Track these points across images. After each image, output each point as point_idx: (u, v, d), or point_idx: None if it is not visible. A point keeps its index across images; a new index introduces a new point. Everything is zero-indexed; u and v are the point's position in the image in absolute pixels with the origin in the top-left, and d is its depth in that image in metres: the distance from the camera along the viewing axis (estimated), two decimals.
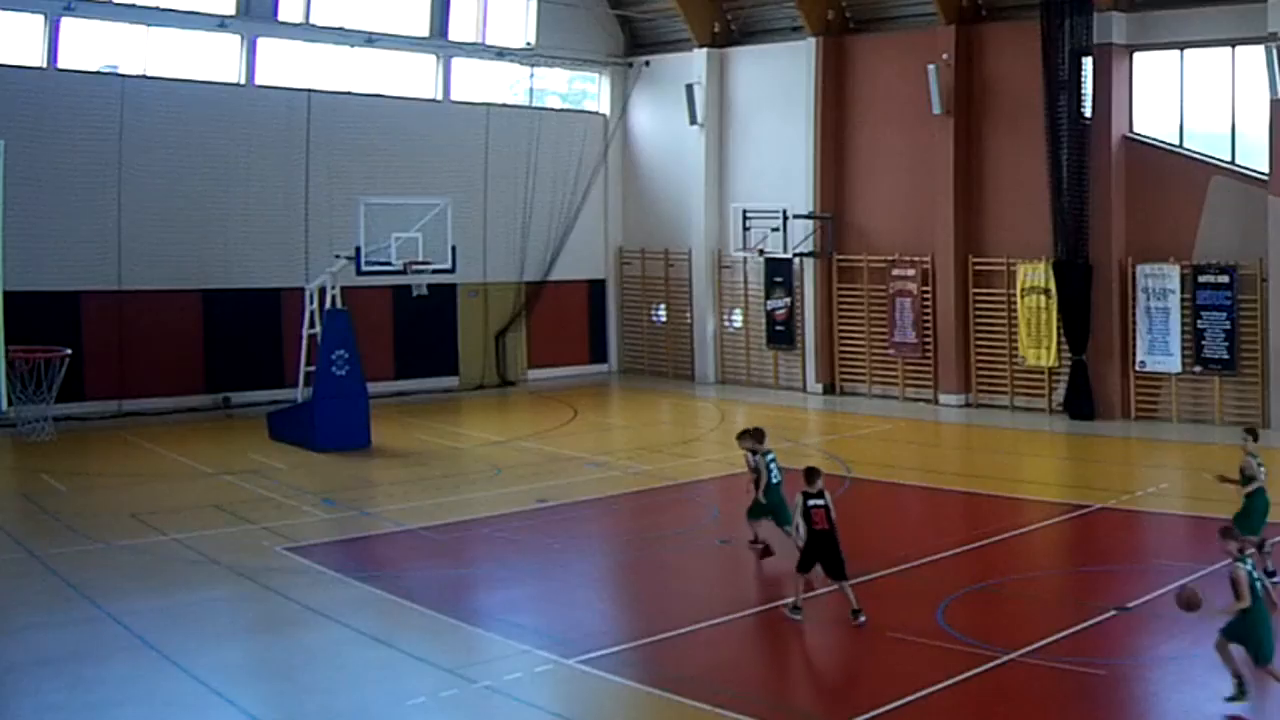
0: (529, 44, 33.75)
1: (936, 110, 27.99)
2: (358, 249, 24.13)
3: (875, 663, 12.28)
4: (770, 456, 15.35)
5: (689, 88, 32.93)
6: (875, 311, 30.09)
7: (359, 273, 24.44)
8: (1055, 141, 25.91)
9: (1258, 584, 10.51)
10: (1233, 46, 24.79)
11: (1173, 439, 24.35)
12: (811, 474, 13.31)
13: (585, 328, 35.76)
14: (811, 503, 13.09)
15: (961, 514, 19.25)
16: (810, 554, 13.25)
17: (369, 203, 24.75)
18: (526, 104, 34.26)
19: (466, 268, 29.26)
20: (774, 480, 15.28)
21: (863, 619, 12.91)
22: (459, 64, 32.88)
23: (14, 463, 22.80)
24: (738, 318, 33.29)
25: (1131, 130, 26.25)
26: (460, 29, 32.69)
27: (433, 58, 32.51)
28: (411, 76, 32.16)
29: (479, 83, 33.54)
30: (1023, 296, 27.37)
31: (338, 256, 24.99)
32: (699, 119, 33.00)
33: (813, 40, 30.65)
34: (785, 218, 29.84)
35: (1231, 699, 10.41)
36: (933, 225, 28.74)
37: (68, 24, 26.77)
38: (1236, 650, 10.60)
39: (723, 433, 26.79)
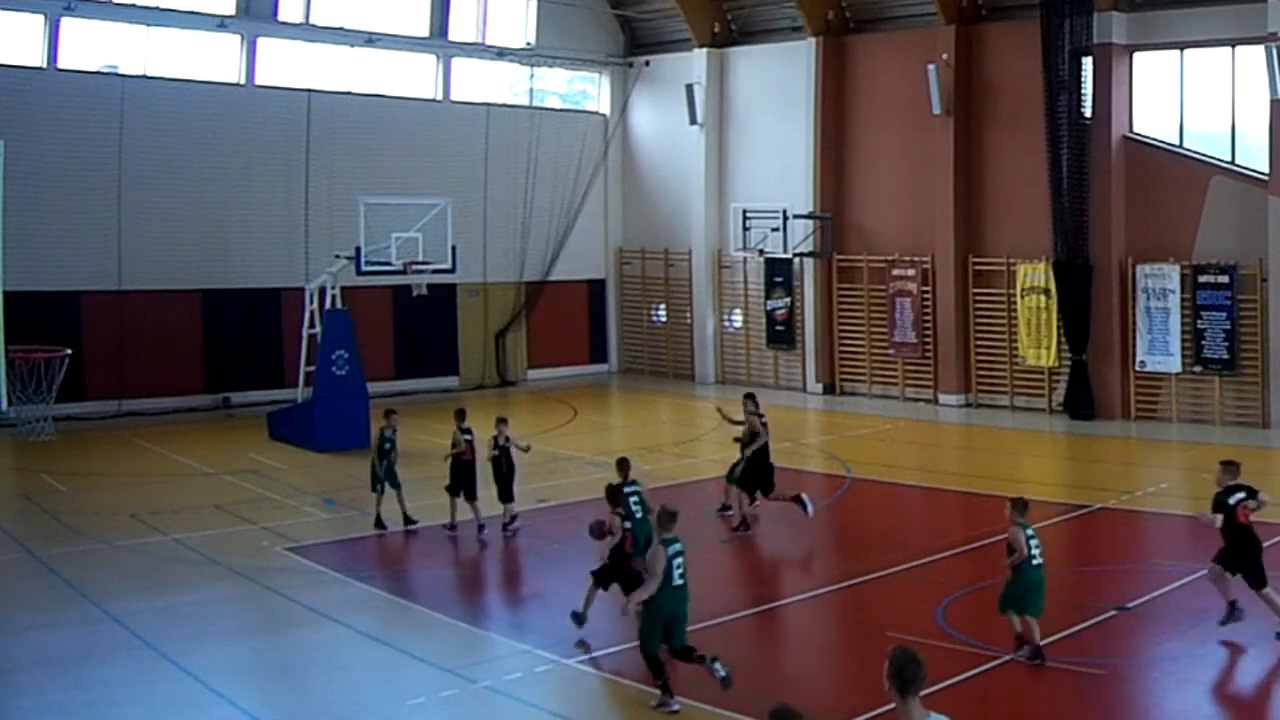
0: (529, 44, 33.76)
1: (936, 110, 27.98)
2: (358, 249, 24.13)
3: (875, 663, 12.24)
4: (387, 432, 17.74)
5: (689, 88, 32.93)
6: (875, 311, 30.09)
7: (359, 273, 24.45)
8: (1055, 141, 25.91)
9: (675, 567, 10.98)
10: (1233, 46, 24.80)
11: (1173, 439, 24.35)
12: (459, 414, 17.81)
13: (585, 328, 35.76)
14: (465, 437, 17.33)
15: (961, 514, 19.24)
16: (456, 478, 17.35)
17: (369, 203, 24.75)
18: (526, 104, 34.26)
19: (466, 268, 29.25)
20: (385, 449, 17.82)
21: (485, 534, 16.90)
22: (459, 64, 32.89)
23: (14, 463, 22.80)
24: (738, 318, 33.28)
25: (1131, 130, 26.25)
26: (460, 29, 32.70)
27: (433, 58, 32.51)
28: (411, 76, 32.17)
29: (479, 83, 33.55)
30: (1023, 296, 27.37)
31: (338, 256, 25.00)
32: (699, 119, 32.99)
33: (813, 40, 30.65)
34: (785, 218, 29.81)
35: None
36: (933, 225, 28.74)
37: (68, 24, 26.78)
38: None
39: (723, 433, 26.73)
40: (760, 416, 17.67)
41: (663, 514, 11.29)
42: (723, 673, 10.74)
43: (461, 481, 17.43)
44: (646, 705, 10.97)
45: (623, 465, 14.16)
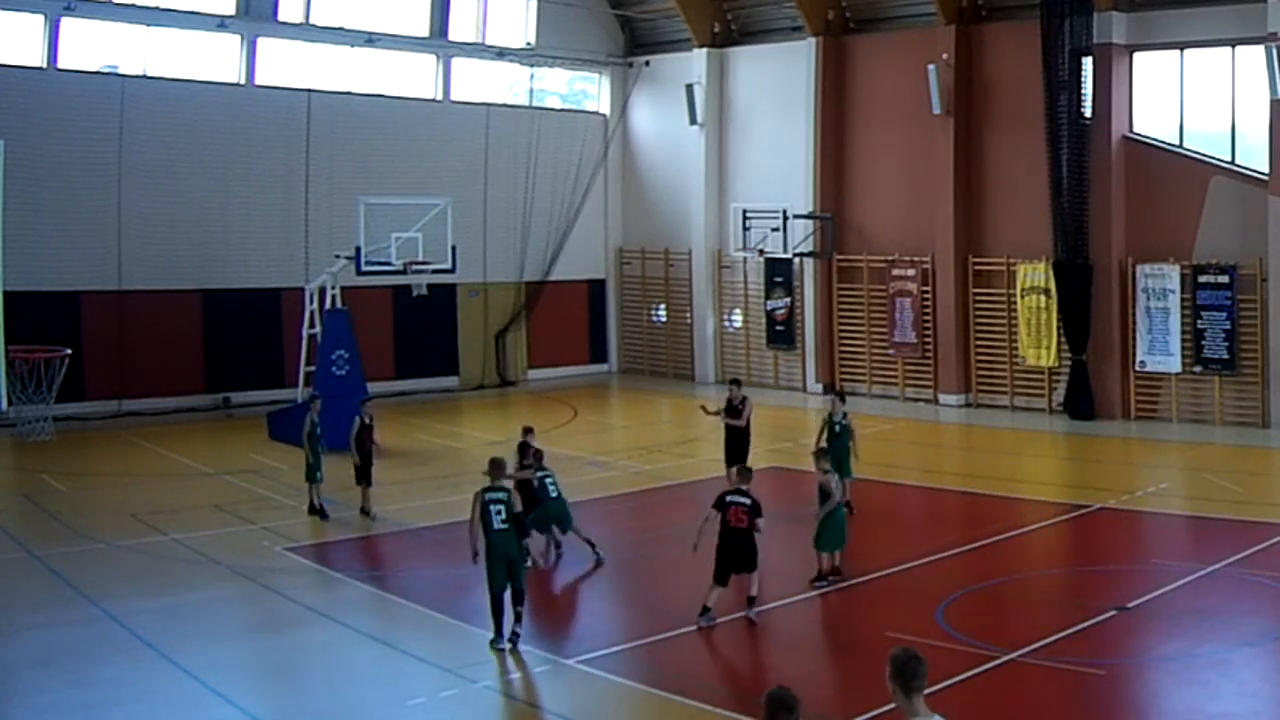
0: (529, 44, 33.75)
1: (936, 110, 27.98)
2: (358, 249, 24.14)
3: (875, 663, 12.25)
4: (314, 417, 18.50)
5: (689, 88, 32.93)
6: (875, 311, 30.09)
7: (359, 273, 24.46)
8: (1055, 141, 25.90)
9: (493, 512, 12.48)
10: (1233, 46, 24.79)
11: (1173, 439, 24.35)
12: (364, 401, 19.13)
13: (585, 328, 35.75)
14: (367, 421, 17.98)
15: (961, 514, 19.25)
16: (361, 468, 18.26)
17: (369, 203, 24.76)
18: (526, 104, 34.26)
19: (466, 268, 29.25)
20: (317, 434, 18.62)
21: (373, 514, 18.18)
22: (459, 64, 32.88)
23: (14, 463, 22.79)
24: (738, 318, 33.27)
25: (1131, 130, 26.25)
26: (460, 29, 32.69)
27: (433, 58, 32.51)
28: (411, 76, 32.16)
29: (479, 83, 33.54)
30: (1023, 296, 27.37)
31: (338, 256, 25.00)
32: (699, 119, 32.99)
33: (813, 40, 30.65)
34: (785, 218, 29.80)
35: None
36: (933, 225, 28.73)
37: (68, 24, 26.77)
38: None
39: (723, 433, 26.76)
40: (745, 400, 19.43)
41: (490, 463, 13.01)
42: (506, 647, 12.33)
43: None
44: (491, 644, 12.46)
45: (536, 455, 16.36)
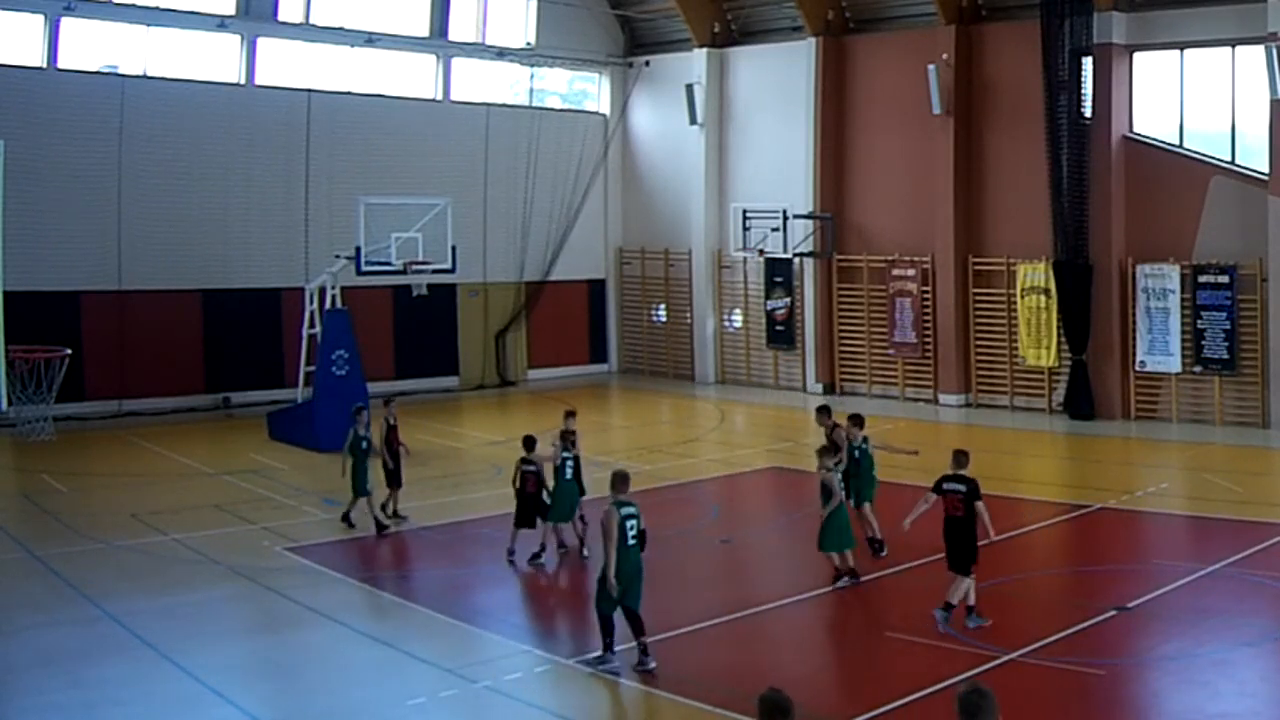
0: (529, 44, 33.76)
1: (936, 110, 27.98)
2: (358, 249, 24.13)
3: (875, 663, 12.28)
4: (360, 430, 17.63)
5: (689, 88, 32.93)
6: (875, 311, 30.09)
7: (359, 273, 24.45)
8: (1055, 141, 25.91)
9: (628, 528, 11.83)
10: (1233, 46, 24.79)
11: (1173, 439, 24.35)
12: (386, 402, 18.56)
13: (585, 328, 35.76)
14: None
15: None
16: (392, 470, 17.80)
17: (369, 203, 24.76)
18: (526, 104, 34.26)
19: (466, 268, 29.25)
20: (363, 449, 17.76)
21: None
22: (459, 64, 32.89)
23: (14, 463, 22.78)
24: (738, 318, 33.28)
25: (1131, 130, 26.25)
26: (460, 29, 32.69)
27: (433, 58, 32.51)
28: (411, 76, 32.16)
29: (479, 83, 33.54)
30: (1023, 296, 27.37)
31: (338, 256, 25.00)
32: (699, 119, 32.99)
33: (813, 40, 30.65)
34: (785, 218, 29.81)
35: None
36: (933, 225, 28.74)
37: (68, 24, 26.77)
38: None
39: (723, 433, 26.83)
40: (836, 427, 16.74)
41: (615, 477, 12.23)
42: (650, 665, 11.58)
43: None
44: (595, 666, 11.77)
45: (567, 435, 16.00)
